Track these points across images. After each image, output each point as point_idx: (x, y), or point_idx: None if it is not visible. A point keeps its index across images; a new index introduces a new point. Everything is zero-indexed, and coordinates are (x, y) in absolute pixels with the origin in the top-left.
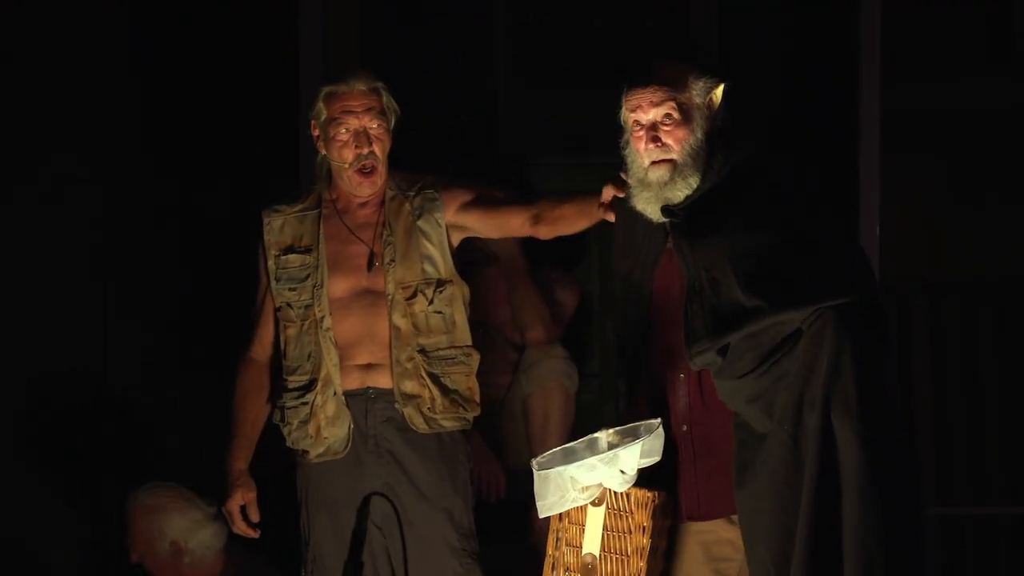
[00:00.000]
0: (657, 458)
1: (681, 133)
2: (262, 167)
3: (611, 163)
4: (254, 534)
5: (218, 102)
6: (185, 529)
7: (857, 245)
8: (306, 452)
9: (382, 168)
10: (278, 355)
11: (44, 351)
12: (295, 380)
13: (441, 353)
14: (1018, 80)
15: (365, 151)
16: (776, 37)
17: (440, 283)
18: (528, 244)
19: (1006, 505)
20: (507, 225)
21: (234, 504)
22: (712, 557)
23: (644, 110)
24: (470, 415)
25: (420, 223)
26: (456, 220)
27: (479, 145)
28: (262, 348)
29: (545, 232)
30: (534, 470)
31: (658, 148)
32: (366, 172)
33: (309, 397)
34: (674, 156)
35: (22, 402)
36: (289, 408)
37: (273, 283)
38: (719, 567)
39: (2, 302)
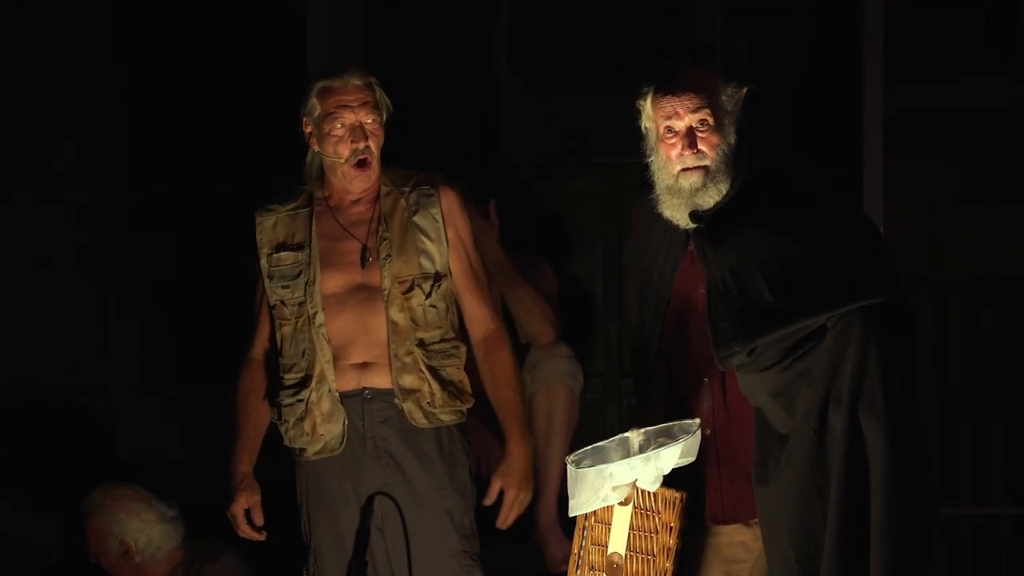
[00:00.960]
0: (692, 458)
1: (715, 139)
2: (264, 167)
3: (610, 163)
4: (260, 537)
5: (220, 102)
6: (135, 529)
7: (883, 245)
8: (303, 450)
9: (376, 163)
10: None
11: (43, 352)
12: (290, 378)
13: (437, 347)
14: (1020, 80)
15: (361, 146)
16: (779, 38)
17: (437, 277)
18: (505, 241)
19: (1007, 505)
20: (465, 312)
21: (238, 508)
22: (724, 558)
23: (680, 116)
24: (464, 407)
25: (416, 219)
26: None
27: (479, 145)
28: (261, 347)
29: (477, 356)
30: (569, 468)
31: (693, 154)
32: (361, 166)
33: (304, 394)
34: (708, 163)
35: (21, 403)
36: (285, 406)
37: (267, 281)
38: (731, 568)
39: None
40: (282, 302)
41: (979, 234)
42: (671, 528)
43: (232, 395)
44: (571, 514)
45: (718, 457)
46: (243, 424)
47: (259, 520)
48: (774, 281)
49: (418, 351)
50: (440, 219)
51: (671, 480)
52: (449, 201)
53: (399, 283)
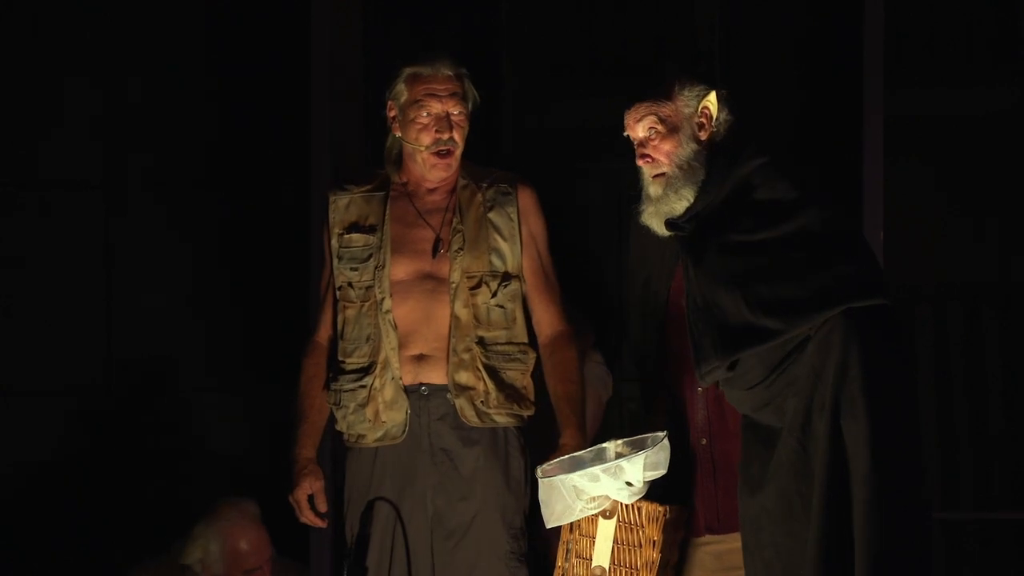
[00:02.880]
0: (663, 471)
1: (668, 146)
2: (269, 167)
3: (612, 168)
4: (322, 524)
5: (226, 101)
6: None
7: (865, 246)
8: (362, 436)
9: (459, 154)
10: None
11: (44, 349)
12: (352, 363)
13: (499, 348)
14: (1020, 86)
15: (445, 136)
16: (779, 44)
17: (506, 277)
18: None
19: (1009, 510)
20: (533, 313)
21: (302, 493)
22: (723, 566)
23: (632, 127)
24: (525, 413)
25: (491, 215)
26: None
27: (481, 146)
28: (326, 332)
29: (543, 357)
30: (538, 478)
31: (648, 164)
32: (443, 155)
33: (367, 380)
34: (664, 170)
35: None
36: (346, 391)
37: (335, 262)
38: None
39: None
40: (349, 284)
41: (979, 238)
42: (655, 542)
43: (296, 379)
44: (548, 525)
45: (713, 467)
46: (307, 408)
47: (322, 507)
48: (755, 299)
49: (477, 348)
50: (516, 218)
51: (665, 492)
52: (526, 200)
53: (467, 278)
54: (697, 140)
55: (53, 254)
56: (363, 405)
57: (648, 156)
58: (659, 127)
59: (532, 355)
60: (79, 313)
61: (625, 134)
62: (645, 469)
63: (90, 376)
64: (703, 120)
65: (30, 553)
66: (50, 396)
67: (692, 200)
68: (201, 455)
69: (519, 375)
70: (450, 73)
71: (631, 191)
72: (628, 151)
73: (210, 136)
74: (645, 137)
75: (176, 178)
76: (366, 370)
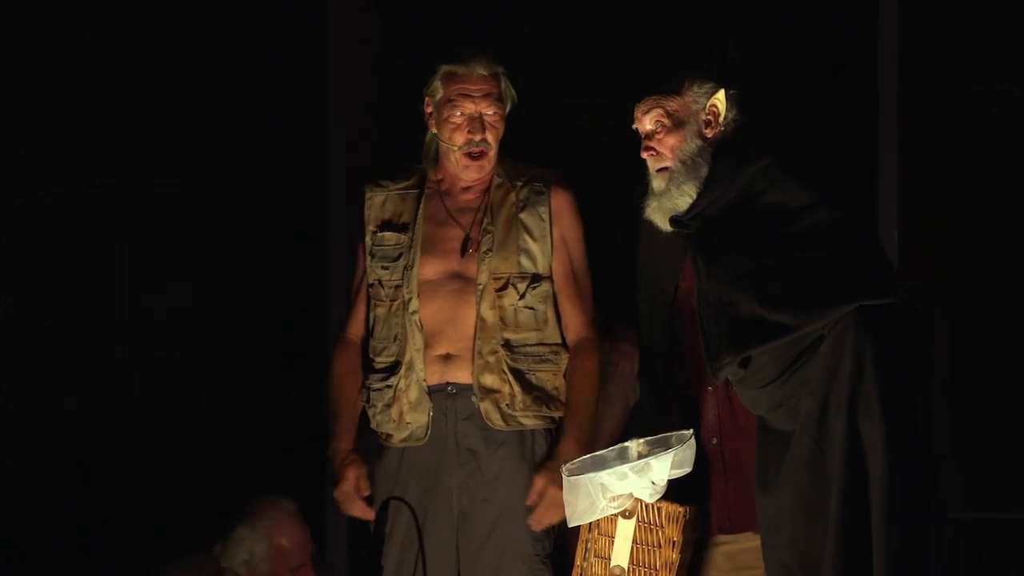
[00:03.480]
0: (688, 469)
1: (672, 141)
2: (276, 168)
3: (617, 168)
4: (370, 515)
5: (234, 102)
6: None
7: (878, 245)
8: (390, 436)
9: (492, 155)
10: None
11: (45, 349)
12: (381, 361)
13: (528, 350)
14: (1021, 85)
15: (478, 138)
16: (794, 44)
17: (536, 278)
18: None
19: (1021, 511)
20: (561, 315)
21: (349, 486)
22: (736, 566)
23: (639, 120)
24: (555, 414)
25: (523, 215)
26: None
27: None
28: (357, 328)
29: (571, 358)
30: (564, 476)
31: (652, 157)
32: (475, 156)
33: (393, 380)
34: (668, 164)
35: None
36: (374, 390)
37: (368, 259)
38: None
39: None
40: (379, 282)
41: (994, 238)
42: (674, 543)
43: (328, 377)
44: (569, 524)
45: (724, 466)
46: (343, 404)
47: (366, 491)
48: (767, 295)
49: (503, 351)
50: (547, 218)
51: (677, 492)
52: (559, 201)
53: (495, 279)
54: (703, 137)
55: (60, 254)
56: (389, 405)
57: (652, 149)
58: (665, 121)
59: (565, 356)
60: (80, 313)
61: (634, 126)
62: (672, 467)
63: (91, 376)
64: (710, 117)
65: (31, 553)
66: (50, 396)
67: (694, 196)
68: (201, 455)
69: (550, 376)
70: (485, 73)
71: (638, 187)
72: (634, 147)
73: (220, 137)
74: (651, 130)
75: (185, 178)
76: (392, 370)
